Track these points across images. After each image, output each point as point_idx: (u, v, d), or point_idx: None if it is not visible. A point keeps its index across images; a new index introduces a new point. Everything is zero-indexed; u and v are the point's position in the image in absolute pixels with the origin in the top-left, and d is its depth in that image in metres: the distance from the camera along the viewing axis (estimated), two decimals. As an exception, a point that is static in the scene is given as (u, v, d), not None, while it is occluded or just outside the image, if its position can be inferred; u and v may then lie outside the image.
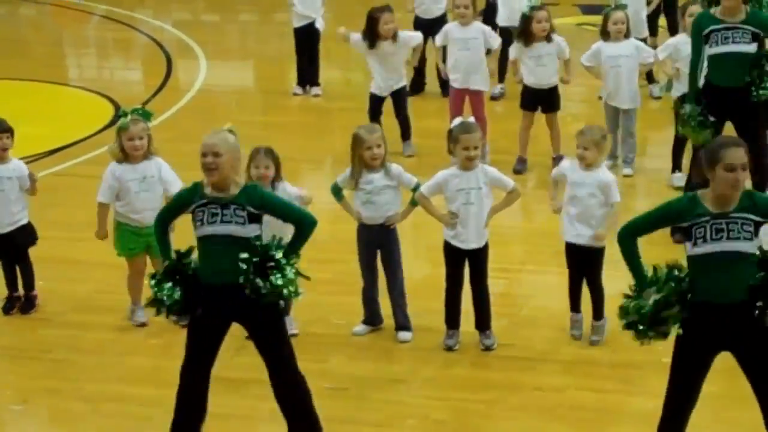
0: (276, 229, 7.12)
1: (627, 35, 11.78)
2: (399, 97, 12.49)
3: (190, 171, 7.58)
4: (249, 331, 7.19)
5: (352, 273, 8.92)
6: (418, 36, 12.66)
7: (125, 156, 8.83)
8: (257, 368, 7.14)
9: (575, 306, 8.68)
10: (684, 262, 6.33)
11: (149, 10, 20.57)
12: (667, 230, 7.87)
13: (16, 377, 8.55)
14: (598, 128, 8.81)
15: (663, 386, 6.47)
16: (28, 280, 9.40)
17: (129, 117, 8.78)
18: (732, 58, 9.77)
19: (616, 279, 7.09)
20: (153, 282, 7.07)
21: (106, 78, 17.16)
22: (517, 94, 12.31)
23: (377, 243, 8.71)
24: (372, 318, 8.87)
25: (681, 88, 10.80)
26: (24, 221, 9.33)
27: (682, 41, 11.01)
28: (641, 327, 6.31)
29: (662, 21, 15.02)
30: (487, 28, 12.47)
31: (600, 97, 12.42)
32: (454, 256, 8.49)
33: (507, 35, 13.19)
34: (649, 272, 6.35)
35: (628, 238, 6.41)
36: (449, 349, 8.55)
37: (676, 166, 11.42)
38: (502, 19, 14.07)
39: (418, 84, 14.44)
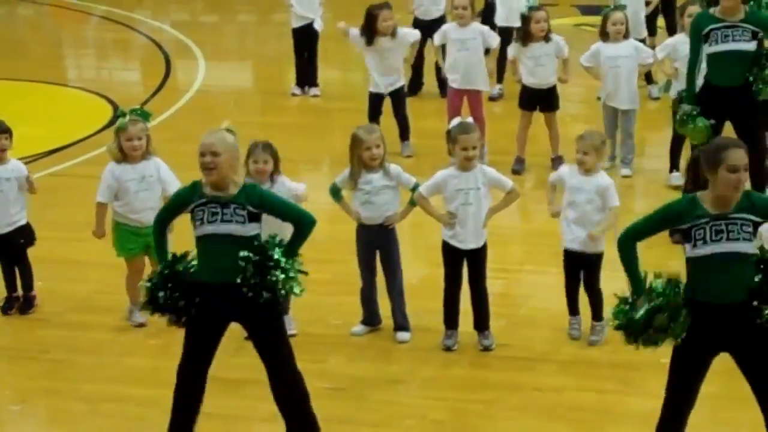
0: (275, 229, 7.12)
1: (626, 36, 11.79)
2: (398, 97, 12.49)
3: (189, 171, 7.57)
4: (248, 331, 7.18)
5: (351, 273, 8.92)
6: (416, 32, 12.66)
7: (124, 156, 8.82)
8: (256, 369, 7.13)
9: (573, 309, 8.68)
10: (682, 272, 6.32)
11: (148, 10, 20.59)
12: (666, 231, 7.85)
13: (14, 377, 8.54)
14: (598, 133, 8.82)
15: (662, 387, 6.46)
16: (27, 281, 9.40)
17: (128, 117, 8.77)
18: (732, 56, 9.78)
19: (616, 279, 7.07)
20: (148, 284, 7.05)
21: (104, 78, 17.15)
22: (516, 94, 12.33)
23: (376, 243, 8.70)
24: (371, 318, 8.86)
25: (679, 87, 10.78)
26: (23, 222, 9.32)
27: (681, 41, 11.02)
28: (630, 333, 6.31)
29: (661, 21, 15.02)
30: (486, 28, 12.46)
31: (599, 98, 12.43)
32: (452, 256, 8.49)
33: (506, 35, 13.19)
34: (649, 277, 6.32)
35: (629, 242, 6.37)
36: (448, 349, 8.54)
37: (674, 166, 11.42)
38: (500, 19, 14.09)
39: (416, 84, 14.45)
